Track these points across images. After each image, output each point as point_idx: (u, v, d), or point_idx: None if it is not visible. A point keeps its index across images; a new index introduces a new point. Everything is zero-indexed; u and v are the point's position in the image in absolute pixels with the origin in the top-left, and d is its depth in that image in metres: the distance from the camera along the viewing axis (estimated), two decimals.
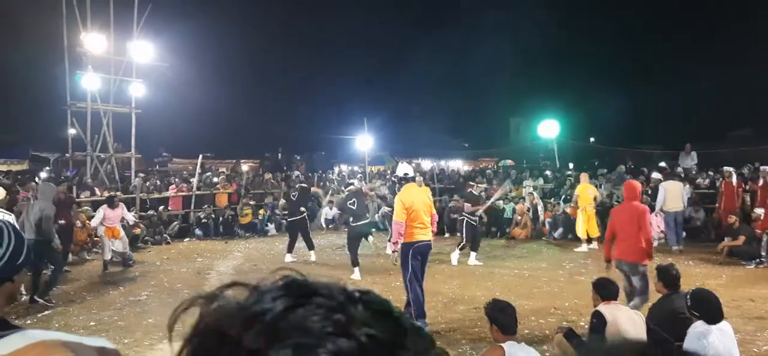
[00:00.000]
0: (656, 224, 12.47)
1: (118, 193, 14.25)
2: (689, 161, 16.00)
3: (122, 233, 10.80)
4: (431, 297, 7.94)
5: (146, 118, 18.29)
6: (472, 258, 10.72)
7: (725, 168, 12.69)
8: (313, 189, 12.36)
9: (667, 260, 10.62)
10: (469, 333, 6.24)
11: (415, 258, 6.31)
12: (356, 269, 9.23)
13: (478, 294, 8.16)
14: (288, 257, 10.95)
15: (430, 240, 6.45)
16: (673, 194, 11.98)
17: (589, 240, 12.30)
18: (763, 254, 9.93)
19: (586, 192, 12.49)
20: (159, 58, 17.69)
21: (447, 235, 15.03)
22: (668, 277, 4.83)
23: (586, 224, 12.31)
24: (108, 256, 10.34)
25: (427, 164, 34.25)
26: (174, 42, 20.12)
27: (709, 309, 3.99)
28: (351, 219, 9.60)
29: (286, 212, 11.78)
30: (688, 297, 4.10)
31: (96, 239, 11.45)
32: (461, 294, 8.17)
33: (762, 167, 12.32)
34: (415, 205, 6.29)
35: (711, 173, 14.41)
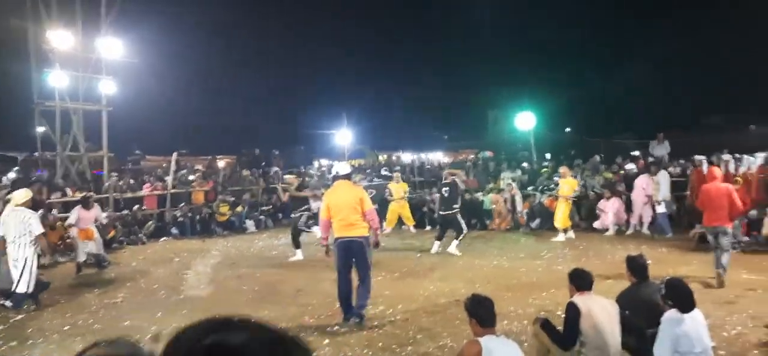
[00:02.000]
0: (645, 213, 12.76)
1: (92, 194, 14.03)
2: (661, 149, 16.25)
3: (96, 234, 10.62)
4: (413, 291, 8.01)
5: (118, 115, 17.95)
6: (453, 246, 10.92)
7: (696, 157, 12.97)
8: (289, 179, 12.12)
9: (641, 247, 10.97)
10: (450, 325, 6.27)
11: (339, 254, 6.53)
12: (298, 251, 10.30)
13: (459, 286, 8.22)
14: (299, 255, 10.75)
15: (354, 237, 6.47)
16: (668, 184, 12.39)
17: (565, 231, 12.49)
18: (733, 239, 10.15)
19: (568, 184, 12.68)
20: (130, 54, 17.34)
21: (428, 227, 15.10)
22: (637, 266, 5.05)
23: (565, 214, 12.50)
24: (82, 258, 10.16)
25: (407, 157, 34.34)
26: (146, 37, 19.74)
27: (683, 297, 4.11)
28: None
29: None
30: (662, 285, 4.21)
31: (68, 241, 11.21)
32: (442, 287, 8.21)
33: (724, 156, 12.59)
34: (336, 203, 6.53)
35: (682, 161, 14.66)
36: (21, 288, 7.33)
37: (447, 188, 11.31)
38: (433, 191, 16.18)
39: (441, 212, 11.56)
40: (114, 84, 17.11)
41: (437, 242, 11.19)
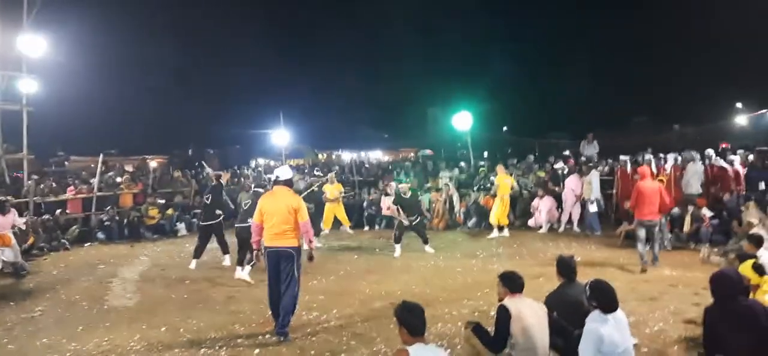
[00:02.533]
0: (575, 211, 13.15)
1: (9, 198, 13.18)
2: (591, 149, 16.78)
3: (13, 241, 9.99)
4: (348, 295, 7.93)
5: (41, 116, 17.02)
6: (397, 250, 10.94)
7: (621, 157, 13.47)
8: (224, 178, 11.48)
9: (572, 244, 11.30)
10: (385, 330, 6.20)
11: (268, 263, 6.29)
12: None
13: (395, 288, 8.20)
14: (193, 264, 10.21)
15: (283, 247, 6.18)
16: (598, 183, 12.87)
17: (501, 228, 12.72)
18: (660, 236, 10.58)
19: (504, 182, 12.91)
20: (54, 52, 16.45)
21: (366, 228, 15.05)
22: (566, 267, 5.12)
23: (500, 212, 12.73)
24: None
25: (347, 156, 34.23)
26: (71, 34, 18.82)
27: (606, 298, 4.20)
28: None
29: (201, 215, 11.09)
30: (586, 287, 4.28)
31: None
32: (378, 290, 8.16)
33: (647, 156, 13.12)
34: (268, 208, 6.25)
35: (610, 160, 15.19)
36: None
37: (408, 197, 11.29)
38: (374, 191, 16.14)
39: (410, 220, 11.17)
40: (36, 83, 16.18)
41: (398, 245, 11.06)
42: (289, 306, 6.17)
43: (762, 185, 11.92)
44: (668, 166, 12.50)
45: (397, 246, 11.01)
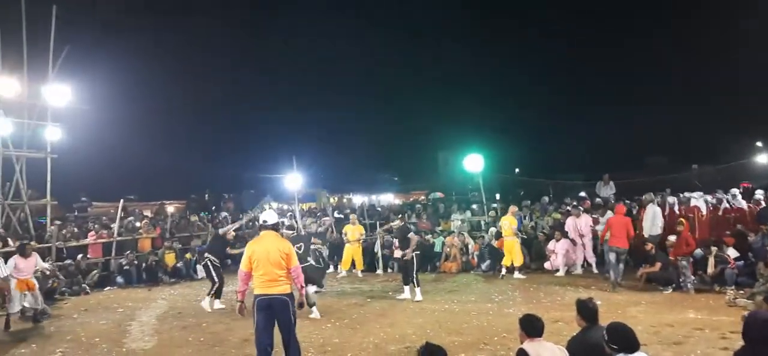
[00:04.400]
0: (588, 253, 13.11)
1: (32, 243, 13.42)
2: (607, 190, 16.76)
3: (36, 285, 10.04)
4: (363, 338, 7.93)
5: (64, 163, 17.38)
6: (406, 292, 10.87)
7: (645, 196, 13.27)
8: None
9: (591, 287, 11.19)
10: None
11: (259, 312, 5.89)
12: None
13: (409, 331, 8.19)
14: (216, 304, 10.49)
15: (276, 295, 5.87)
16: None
17: (511, 270, 12.76)
18: (681, 279, 10.48)
19: (508, 223, 13.00)
20: (77, 100, 16.93)
21: (379, 271, 15.04)
22: (587, 311, 4.99)
23: (510, 253, 12.76)
24: (16, 309, 9.55)
25: (358, 199, 34.37)
26: (93, 84, 19.36)
27: (626, 341, 4.15)
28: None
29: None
30: (604, 331, 4.26)
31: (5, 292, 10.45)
32: (392, 334, 8.15)
33: (669, 198, 13.09)
34: (257, 254, 5.93)
35: (628, 201, 15.09)
36: None
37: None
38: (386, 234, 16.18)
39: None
40: (60, 131, 16.63)
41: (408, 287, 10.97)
42: (296, 354, 5.99)
43: None
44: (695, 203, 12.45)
45: (406, 288, 10.96)
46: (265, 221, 6.27)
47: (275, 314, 5.89)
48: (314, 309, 9.37)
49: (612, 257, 11.09)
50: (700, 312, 8.70)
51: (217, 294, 10.51)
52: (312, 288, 9.91)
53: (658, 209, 12.40)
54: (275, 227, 6.26)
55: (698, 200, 12.58)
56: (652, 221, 12.12)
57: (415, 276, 10.85)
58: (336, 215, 18.67)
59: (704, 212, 12.39)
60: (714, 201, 12.76)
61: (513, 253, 12.94)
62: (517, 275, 12.79)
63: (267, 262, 5.86)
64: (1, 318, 9.60)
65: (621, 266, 11.19)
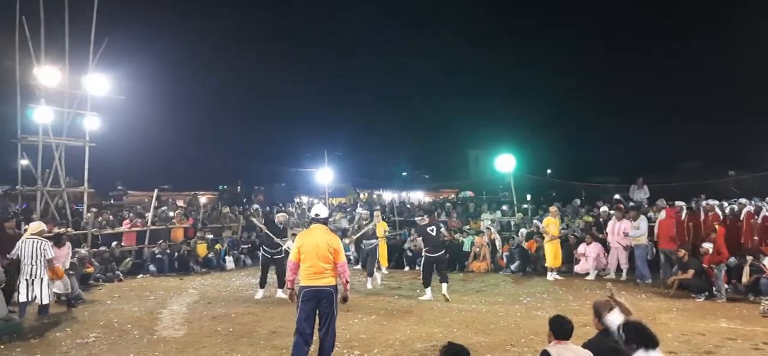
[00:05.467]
0: (621, 257, 12.90)
1: (69, 229, 13.81)
2: (641, 194, 16.45)
3: (64, 273, 10.09)
4: (389, 335, 7.94)
5: (102, 151, 17.83)
6: (428, 294, 10.79)
7: (677, 203, 13.06)
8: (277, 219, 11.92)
9: (621, 293, 10.98)
10: None
11: (304, 303, 5.97)
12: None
13: (436, 330, 8.17)
14: (260, 293, 10.92)
15: (321, 287, 5.98)
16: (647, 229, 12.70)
17: (552, 270, 12.68)
18: (714, 288, 10.23)
19: (553, 222, 12.99)
20: (115, 91, 17.35)
21: (406, 268, 15.05)
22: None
23: (553, 254, 12.67)
24: (48, 299, 9.51)
25: (388, 196, 34.39)
26: (131, 75, 19.81)
27: (644, 335, 4.11)
28: None
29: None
30: (621, 332, 4.21)
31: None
32: (419, 332, 8.14)
33: (706, 202, 12.77)
34: (306, 247, 6.07)
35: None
36: (45, 300, 9.08)
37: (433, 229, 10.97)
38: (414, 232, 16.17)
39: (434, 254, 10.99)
40: (98, 120, 17.05)
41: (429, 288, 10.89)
42: (330, 347, 6.09)
43: None
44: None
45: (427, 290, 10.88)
46: (316, 215, 6.42)
47: (319, 306, 6.01)
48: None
49: (662, 258, 11.94)
50: (732, 321, 8.50)
51: (260, 284, 11.10)
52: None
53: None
54: (325, 221, 6.42)
55: (747, 206, 12.22)
56: None
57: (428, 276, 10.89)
58: (359, 210, 18.74)
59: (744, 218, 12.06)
60: (752, 208, 12.41)
61: (554, 254, 12.87)
62: (553, 276, 12.71)
63: (315, 255, 6.01)
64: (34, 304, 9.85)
65: (675, 268, 11.21)
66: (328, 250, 6.04)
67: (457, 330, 8.22)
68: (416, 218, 11.72)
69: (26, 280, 8.86)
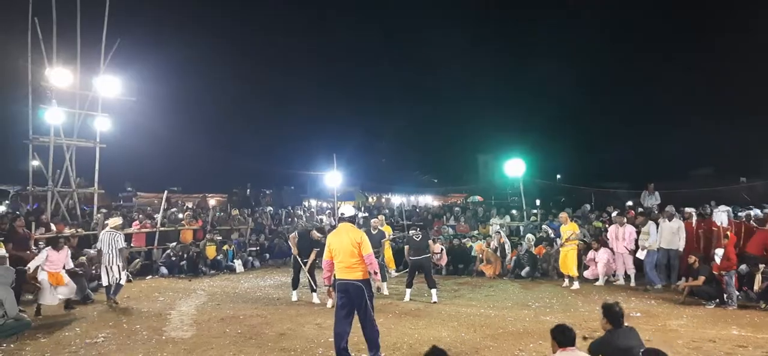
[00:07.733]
0: (627, 263, 12.80)
1: (79, 229, 13.91)
2: (652, 200, 16.33)
3: (67, 279, 10.03)
4: (397, 338, 7.92)
5: (112, 153, 17.97)
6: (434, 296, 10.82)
7: (686, 209, 12.96)
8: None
9: (631, 298, 10.93)
10: None
11: (338, 294, 6.63)
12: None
13: (443, 334, 8.14)
14: (294, 296, 11.04)
15: (352, 280, 6.55)
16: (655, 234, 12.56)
17: (570, 278, 12.57)
18: (725, 295, 10.12)
19: (571, 228, 12.90)
20: (126, 92, 17.49)
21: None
22: (612, 314, 5.14)
23: (570, 260, 12.56)
24: (47, 300, 9.69)
25: (396, 200, 34.40)
26: (141, 77, 19.95)
27: None
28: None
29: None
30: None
31: (37, 284, 9.95)
32: (427, 335, 8.11)
33: (719, 209, 12.67)
34: (334, 245, 6.70)
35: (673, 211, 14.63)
36: (122, 281, 10.58)
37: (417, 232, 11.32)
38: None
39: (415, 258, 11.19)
40: (109, 121, 17.18)
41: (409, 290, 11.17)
42: (374, 338, 6.53)
43: None
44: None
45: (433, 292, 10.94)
46: (342, 214, 7.28)
47: (351, 298, 6.53)
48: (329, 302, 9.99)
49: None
50: (743, 328, 8.40)
51: (293, 286, 11.19)
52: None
53: (682, 224, 12.36)
54: (352, 219, 7.07)
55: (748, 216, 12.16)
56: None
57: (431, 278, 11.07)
58: (362, 213, 18.74)
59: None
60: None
61: (574, 260, 12.71)
62: (575, 284, 12.48)
63: (343, 251, 6.60)
64: (55, 305, 9.93)
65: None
66: (352, 245, 6.58)
67: (465, 334, 8.19)
68: (411, 232, 11.78)
69: (105, 267, 10.24)
